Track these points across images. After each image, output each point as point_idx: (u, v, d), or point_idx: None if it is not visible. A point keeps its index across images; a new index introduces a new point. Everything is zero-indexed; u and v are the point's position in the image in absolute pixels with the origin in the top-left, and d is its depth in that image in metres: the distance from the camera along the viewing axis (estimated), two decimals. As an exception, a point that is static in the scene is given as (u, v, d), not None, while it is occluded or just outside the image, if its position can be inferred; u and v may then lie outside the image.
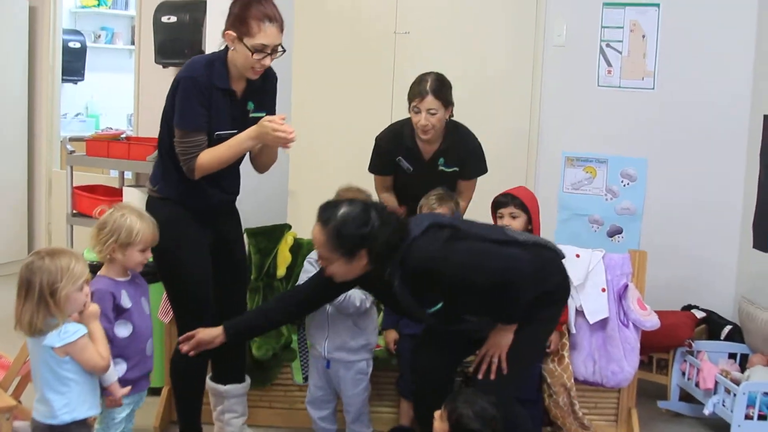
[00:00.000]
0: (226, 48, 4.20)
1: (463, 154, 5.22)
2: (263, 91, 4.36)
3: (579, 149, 6.31)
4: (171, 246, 4.19)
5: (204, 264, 4.33)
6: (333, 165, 6.54)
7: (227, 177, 4.35)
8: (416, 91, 5.03)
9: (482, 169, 5.34)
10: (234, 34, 4.08)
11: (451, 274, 3.74)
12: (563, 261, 4.10)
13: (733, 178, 6.06)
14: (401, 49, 6.54)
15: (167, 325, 4.90)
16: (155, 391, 4.98)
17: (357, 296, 4.39)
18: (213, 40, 5.18)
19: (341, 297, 4.34)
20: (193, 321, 4.31)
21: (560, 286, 4.09)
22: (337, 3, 6.88)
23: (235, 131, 4.18)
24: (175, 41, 6.80)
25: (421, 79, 5.07)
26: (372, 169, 5.33)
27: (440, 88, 5.02)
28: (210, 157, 4.12)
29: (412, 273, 3.76)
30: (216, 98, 4.15)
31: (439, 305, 3.85)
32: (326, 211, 3.84)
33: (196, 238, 4.30)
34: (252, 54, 4.07)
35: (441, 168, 5.19)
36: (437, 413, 3.64)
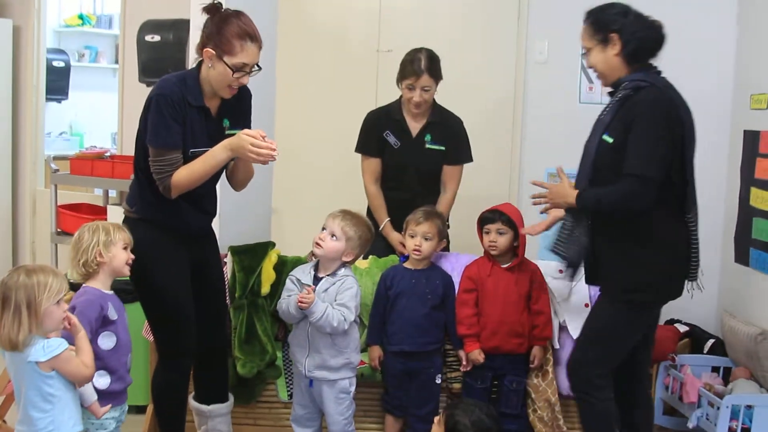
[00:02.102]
0: (198, 65, 4.18)
1: (449, 131, 5.38)
2: (238, 109, 4.34)
3: (562, 166, 6.33)
4: (148, 266, 4.18)
5: (182, 284, 4.30)
6: (317, 183, 6.56)
7: (205, 197, 4.33)
8: (411, 70, 5.19)
9: (468, 155, 5.47)
10: (213, 52, 4.04)
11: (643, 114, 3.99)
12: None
13: (715, 193, 6.10)
14: (384, 67, 6.56)
15: (151, 343, 4.90)
16: (141, 410, 4.99)
17: (335, 316, 4.37)
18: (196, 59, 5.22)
19: (318, 315, 4.33)
20: (172, 341, 4.33)
21: (650, 273, 4.12)
22: (321, 21, 6.91)
23: (208, 148, 4.11)
24: (159, 60, 6.82)
25: (413, 58, 5.23)
26: (359, 147, 5.44)
27: (433, 65, 5.22)
28: (185, 173, 4.05)
29: (637, 95, 4.03)
30: (190, 116, 4.10)
31: (612, 140, 4.06)
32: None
33: (174, 258, 4.26)
34: (232, 73, 4.05)
35: (428, 146, 5.30)
36: (436, 418, 3.75)
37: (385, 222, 5.33)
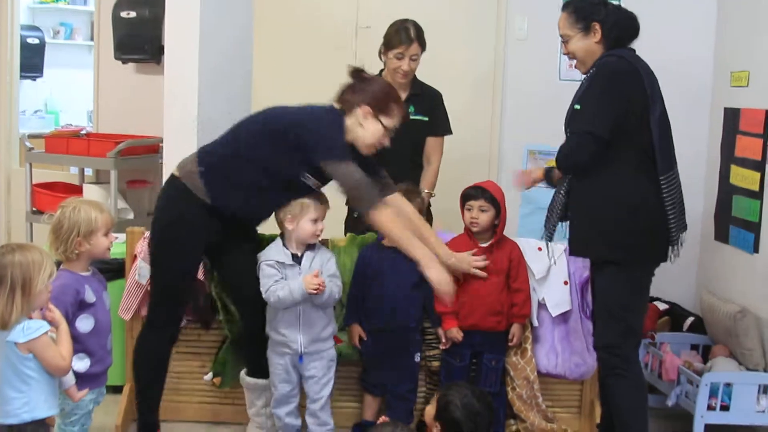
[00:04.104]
0: (342, 111, 4.36)
1: (431, 103, 5.43)
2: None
3: (541, 143, 6.33)
4: (180, 237, 4.35)
5: (199, 261, 4.48)
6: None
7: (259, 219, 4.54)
8: (400, 39, 5.25)
9: (449, 128, 5.53)
10: (370, 110, 4.29)
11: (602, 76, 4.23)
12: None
13: (695, 170, 6.09)
14: (363, 43, 6.53)
15: (128, 321, 4.86)
16: (117, 389, 4.95)
17: (335, 290, 4.42)
18: (172, 35, 5.18)
19: (326, 293, 4.35)
20: (170, 310, 4.47)
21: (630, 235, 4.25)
22: (298, -2, 6.87)
23: (318, 184, 4.38)
24: (135, 37, 6.77)
25: (400, 27, 5.29)
26: None
27: (421, 34, 5.30)
28: (397, 225, 4.32)
29: (601, 64, 4.25)
30: None
31: (579, 107, 4.26)
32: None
33: (203, 235, 4.37)
34: (383, 132, 4.33)
35: (412, 117, 5.29)
36: (433, 398, 3.88)
37: None
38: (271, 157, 4.27)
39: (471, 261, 4.60)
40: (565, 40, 4.42)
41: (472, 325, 4.71)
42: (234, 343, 4.83)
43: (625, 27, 4.34)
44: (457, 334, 4.70)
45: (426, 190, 5.35)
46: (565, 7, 4.43)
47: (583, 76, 4.40)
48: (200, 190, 4.29)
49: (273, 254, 4.45)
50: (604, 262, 4.30)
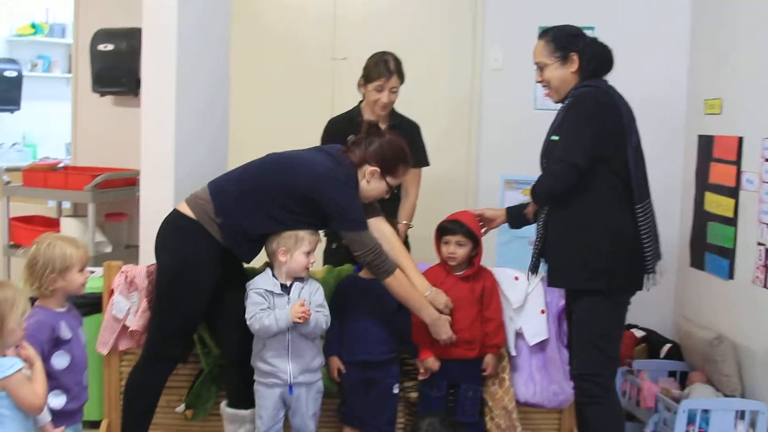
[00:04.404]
0: (352, 165, 4.43)
1: (409, 133, 5.37)
2: None
3: (518, 172, 6.36)
4: (190, 276, 4.38)
5: (206, 300, 4.45)
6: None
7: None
8: (379, 72, 5.29)
9: (426, 159, 5.57)
10: (378, 171, 4.42)
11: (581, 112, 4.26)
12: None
13: (670, 197, 6.13)
14: (339, 75, 6.56)
15: (105, 357, 4.85)
16: (94, 425, 4.94)
17: (322, 320, 4.41)
18: (149, 68, 5.19)
19: (312, 323, 4.34)
20: (169, 346, 4.49)
21: (609, 257, 4.30)
22: (275, 30, 6.89)
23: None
24: (112, 70, 6.76)
25: (380, 60, 5.32)
26: None
27: (400, 66, 5.35)
28: (408, 287, 4.49)
29: (577, 94, 4.30)
30: None
31: (558, 138, 4.31)
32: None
33: (213, 274, 4.42)
34: (387, 189, 4.49)
35: None
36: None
37: None
38: (287, 212, 4.36)
39: (447, 302, 4.62)
40: (541, 68, 4.45)
41: (449, 356, 4.72)
42: (210, 376, 4.82)
43: (602, 59, 4.40)
44: (433, 363, 4.70)
45: (404, 222, 5.38)
46: (543, 35, 4.47)
47: (559, 105, 4.43)
48: (215, 229, 4.34)
49: (262, 283, 4.43)
50: (585, 292, 4.32)
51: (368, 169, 4.40)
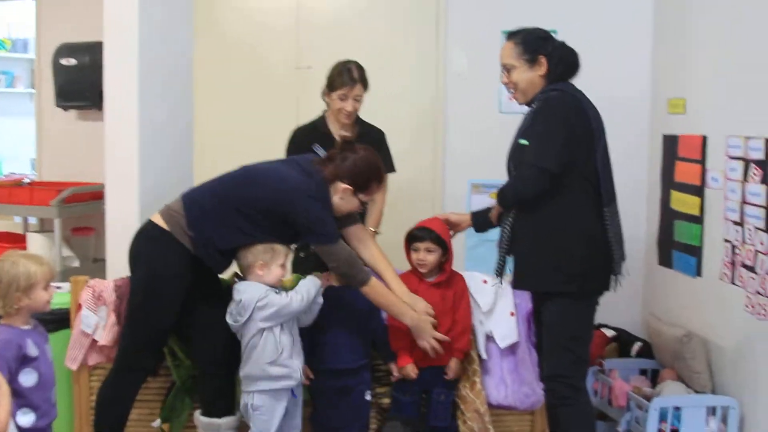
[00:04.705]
0: (324, 179, 4.41)
1: (374, 141, 5.39)
2: None
3: (484, 176, 6.37)
4: (161, 286, 4.38)
5: (177, 309, 4.43)
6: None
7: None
8: (343, 81, 5.31)
9: (392, 166, 5.57)
10: (351, 189, 4.40)
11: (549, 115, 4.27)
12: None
13: (636, 196, 6.17)
14: (304, 84, 6.55)
15: (74, 372, 4.82)
16: (66, 440, 4.91)
17: (298, 297, 4.41)
18: (111, 81, 5.17)
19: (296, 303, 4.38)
20: (140, 356, 4.48)
21: (583, 261, 4.33)
22: (238, 39, 6.87)
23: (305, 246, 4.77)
24: (76, 84, 6.73)
25: (343, 69, 5.34)
26: None
27: (363, 74, 5.38)
28: (386, 294, 4.52)
29: (546, 98, 4.30)
30: None
31: (527, 142, 4.29)
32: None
33: (184, 283, 4.40)
34: (360, 205, 4.54)
35: None
36: None
37: None
38: (259, 226, 4.35)
39: (427, 308, 4.63)
40: (508, 69, 4.45)
41: (424, 364, 4.73)
42: (183, 388, 4.80)
43: (569, 63, 4.42)
44: (411, 370, 4.70)
45: (371, 228, 5.37)
46: (511, 37, 4.47)
47: (526, 109, 4.44)
48: (187, 241, 4.34)
49: (254, 290, 4.39)
50: (556, 294, 4.33)
51: (341, 186, 4.39)
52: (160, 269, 4.37)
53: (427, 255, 4.71)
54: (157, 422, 4.83)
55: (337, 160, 4.43)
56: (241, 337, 4.42)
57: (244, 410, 4.46)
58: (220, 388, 4.57)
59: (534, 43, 4.40)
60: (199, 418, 4.63)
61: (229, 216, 4.34)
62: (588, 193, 4.31)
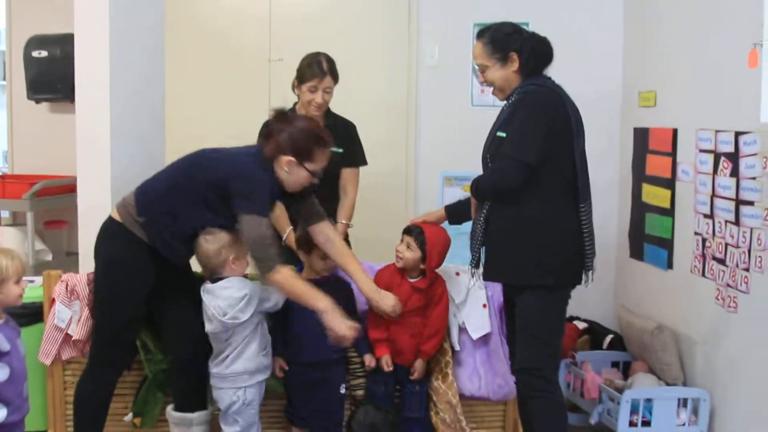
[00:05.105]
0: (266, 157, 4.35)
1: (345, 134, 5.40)
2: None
3: (457, 168, 6.39)
4: (120, 278, 4.35)
5: (141, 301, 4.40)
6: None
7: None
8: (313, 73, 5.26)
9: (364, 158, 5.55)
10: (294, 160, 4.31)
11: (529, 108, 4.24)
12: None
13: (608, 190, 6.19)
14: (276, 76, 6.54)
15: (48, 367, 4.80)
16: (40, 434, 4.91)
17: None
18: (82, 73, 5.14)
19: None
20: (111, 351, 4.46)
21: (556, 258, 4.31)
22: (210, 31, 6.85)
23: None
24: (47, 76, 6.72)
25: (313, 61, 5.29)
26: None
27: (333, 66, 5.32)
28: (295, 282, 4.30)
29: (525, 92, 4.28)
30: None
31: (505, 134, 4.26)
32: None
33: (145, 275, 4.36)
34: (311, 176, 4.39)
35: None
36: None
37: (288, 231, 5.30)
38: (208, 207, 4.31)
39: (395, 306, 4.63)
40: (482, 70, 4.44)
41: (397, 358, 4.76)
42: (155, 382, 4.80)
43: (541, 54, 4.39)
44: (386, 363, 4.72)
45: (343, 221, 5.37)
46: (480, 36, 4.44)
47: (499, 102, 4.45)
48: (139, 229, 4.31)
49: (251, 284, 4.41)
50: (530, 287, 4.32)
51: (284, 159, 4.32)
52: (117, 262, 4.35)
53: (405, 250, 4.70)
54: (129, 416, 4.83)
55: (274, 135, 4.38)
56: (230, 336, 4.38)
57: (227, 409, 4.45)
58: (192, 382, 4.57)
59: (503, 41, 4.37)
60: (171, 413, 4.62)
61: (178, 198, 4.32)
62: (565, 188, 4.31)
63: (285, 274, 4.23)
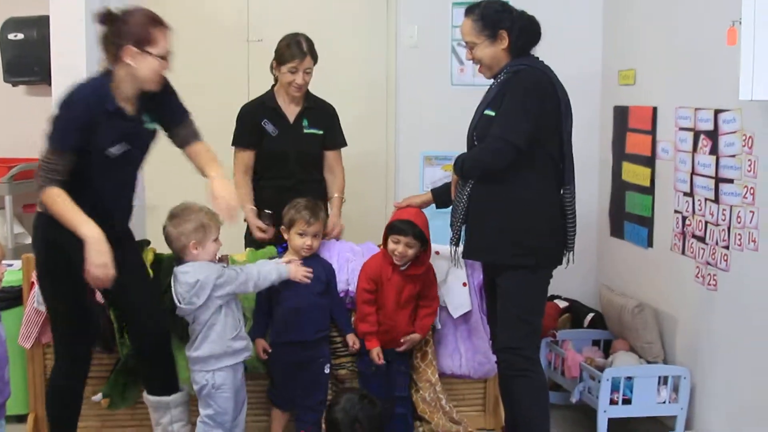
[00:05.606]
0: (107, 72, 4.19)
1: (325, 115, 5.42)
2: (156, 98, 4.36)
3: (437, 148, 6.37)
4: (58, 267, 4.22)
5: (82, 291, 4.28)
6: (190, 177, 6.44)
7: (119, 212, 4.37)
8: (292, 54, 5.21)
9: (344, 140, 5.52)
10: (135, 49, 4.10)
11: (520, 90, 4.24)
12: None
13: (588, 168, 6.19)
14: (255, 57, 6.50)
15: (29, 350, 4.79)
16: (21, 419, 4.89)
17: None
18: (58, 55, 5.11)
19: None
20: (71, 342, 4.35)
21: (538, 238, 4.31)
22: (187, 10, 6.77)
23: (128, 147, 4.20)
24: (24, 59, 6.67)
25: (292, 42, 5.25)
26: (235, 141, 5.41)
27: (312, 47, 5.28)
28: (60, 202, 4.06)
29: (516, 72, 4.28)
30: (104, 120, 4.11)
31: (493, 113, 4.27)
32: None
33: (67, 264, 4.16)
34: (160, 61, 4.18)
35: (306, 130, 5.35)
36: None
37: (247, 209, 5.27)
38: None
39: (301, 273, 4.58)
40: (471, 47, 4.42)
41: (386, 343, 4.81)
42: (125, 366, 4.78)
43: (531, 33, 4.40)
44: (377, 355, 4.75)
45: (336, 195, 5.37)
46: (468, 13, 4.42)
47: (480, 81, 4.44)
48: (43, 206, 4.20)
49: (207, 269, 4.34)
50: (512, 266, 4.33)
51: (126, 54, 4.10)
52: (44, 245, 4.26)
53: (407, 249, 4.69)
54: (98, 396, 4.81)
55: (109, 38, 4.14)
56: (193, 320, 4.38)
57: (200, 391, 4.42)
58: (163, 367, 4.56)
59: (493, 18, 4.35)
60: (147, 397, 4.60)
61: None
62: (550, 170, 4.33)
63: (51, 194, 4.07)
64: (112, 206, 4.27)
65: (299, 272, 4.50)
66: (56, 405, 4.48)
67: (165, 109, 4.43)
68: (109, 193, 4.26)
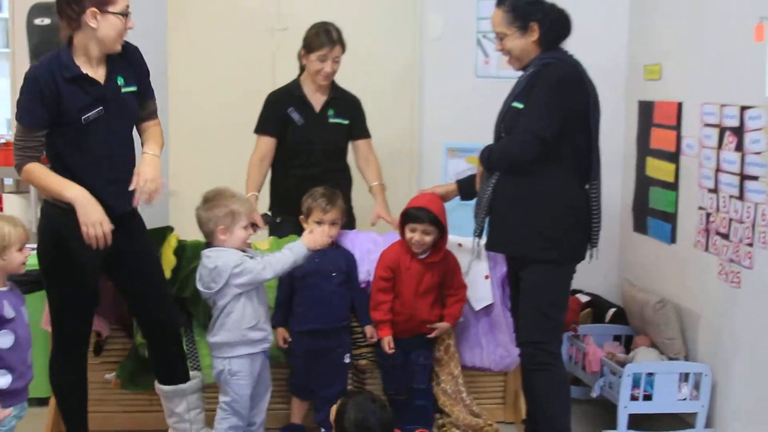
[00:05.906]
0: (69, 40, 4.16)
1: (351, 106, 5.44)
2: (128, 64, 4.32)
3: (460, 140, 6.36)
4: (62, 256, 4.20)
5: (91, 276, 4.30)
6: (214, 164, 6.47)
7: (110, 189, 4.23)
8: (322, 41, 5.21)
9: (367, 132, 5.52)
10: (96, 10, 4.04)
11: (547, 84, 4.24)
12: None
13: (612, 164, 6.14)
14: (280, 45, 6.49)
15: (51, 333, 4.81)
16: (43, 402, 4.91)
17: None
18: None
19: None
20: (71, 331, 4.37)
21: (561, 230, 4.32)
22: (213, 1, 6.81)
23: (102, 109, 4.14)
24: (50, 43, 6.63)
25: (321, 30, 5.25)
26: (258, 127, 5.39)
27: (342, 36, 5.29)
28: (40, 175, 4.11)
29: (546, 65, 4.28)
30: (67, 90, 4.08)
31: (522, 105, 4.28)
32: None
33: (89, 250, 4.13)
34: (123, 19, 4.12)
35: (332, 120, 5.36)
36: (339, 401, 3.79)
37: (249, 195, 5.25)
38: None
39: (318, 239, 4.56)
40: (501, 38, 4.41)
41: (405, 333, 4.82)
42: (135, 354, 4.84)
43: (561, 26, 4.40)
44: (388, 344, 4.77)
45: (375, 183, 5.41)
46: (500, 4, 4.41)
47: (504, 73, 4.42)
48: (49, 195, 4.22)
49: (227, 256, 4.35)
50: (536, 260, 4.33)
51: (87, 17, 4.04)
52: (51, 234, 4.24)
53: (424, 237, 4.70)
54: (111, 375, 4.85)
55: (66, 10, 4.11)
56: (213, 303, 4.40)
57: (218, 376, 4.45)
58: (175, 355, 4.59)
59: (524, 10, 4.34)
60: (161, 387, 4.60)
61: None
62: (577, 165, 4.33)
63: (28, 169, 4.10)
64: (99, 184, 4.16)
65: (317, 239, 4.47)
66: (58, 401, 4.54)
67: (140, 81, 4.37)
68: (94, 168, 4.17)
